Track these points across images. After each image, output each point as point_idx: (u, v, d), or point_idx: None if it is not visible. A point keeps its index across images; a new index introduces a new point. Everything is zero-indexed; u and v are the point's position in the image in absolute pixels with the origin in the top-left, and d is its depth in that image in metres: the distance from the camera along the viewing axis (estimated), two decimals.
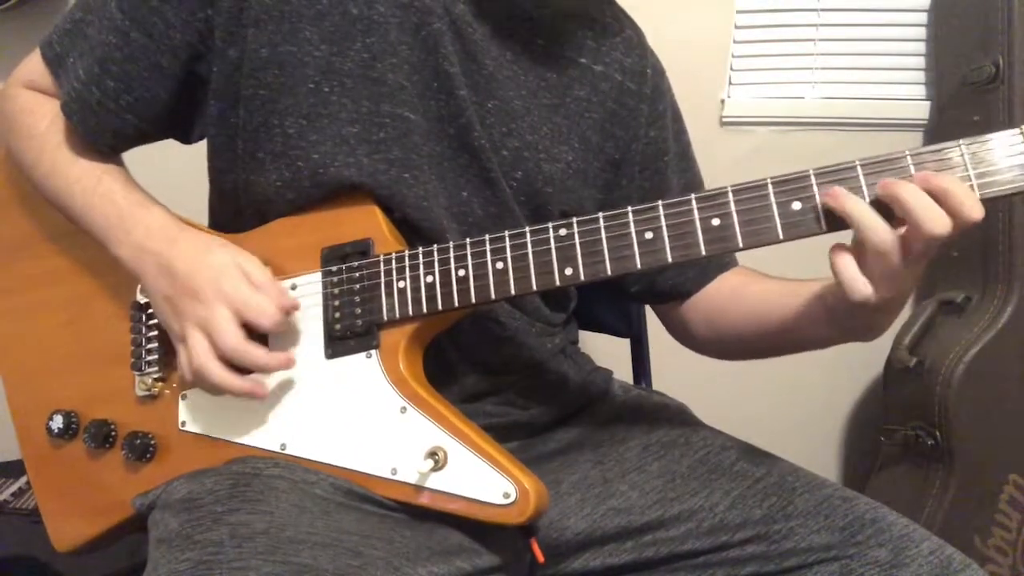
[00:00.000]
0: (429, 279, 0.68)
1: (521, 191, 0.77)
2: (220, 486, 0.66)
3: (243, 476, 0.67)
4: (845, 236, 0.60)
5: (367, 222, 0.72)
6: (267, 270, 0.71)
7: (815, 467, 0.78)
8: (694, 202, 0.62)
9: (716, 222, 0.61)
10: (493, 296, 0.67)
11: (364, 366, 0.69)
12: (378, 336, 0.69)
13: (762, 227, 0.60)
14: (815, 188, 0.59)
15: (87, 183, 0.75)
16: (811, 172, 0.59)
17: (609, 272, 0.64)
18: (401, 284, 0.69)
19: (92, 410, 0.80)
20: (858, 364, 1.67)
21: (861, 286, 0.59)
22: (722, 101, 1.60)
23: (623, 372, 1.01)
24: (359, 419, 0.68)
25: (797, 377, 1.65)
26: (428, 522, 0.68)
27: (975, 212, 0.55)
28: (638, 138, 0.84)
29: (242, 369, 0.68)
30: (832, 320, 0.69)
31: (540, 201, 0.78)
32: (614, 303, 1.14)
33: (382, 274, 0.70)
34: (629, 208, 0.63)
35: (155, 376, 0.77)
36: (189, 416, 0.75)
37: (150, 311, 0.76)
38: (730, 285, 0.84)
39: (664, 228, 0.62)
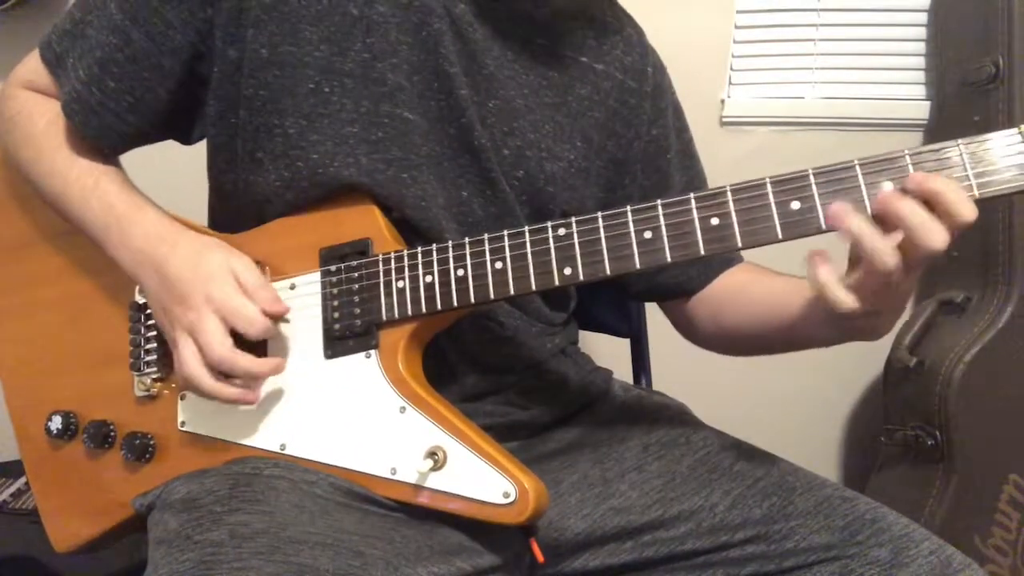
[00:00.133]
0: (428, 279, 0.68)
1: (523, 190, 0.77)
2: (220, 486, 0.66)
3: (243, 476, 0.67)
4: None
5: (366, 222, 0.72)
6: (259, 273, 0.71)
7: (815, 467, 0.78)
8: (693, 201, 0.62)
9: (715, 221, 0.61)
10: (492, 296, 0.67)
11: (363, 366, 0.69)
12: (377, 336, 0.69)
13: (761, 227, 0.60)
14: (814, 188, 0.59)
15: (84, 184, 0.75)
16: (810, 172, 0.59)
17: (608, 272, 0.63)
18: (400, 284, 0.69)
19: (91, 410, 0.80)
20: (858, 364, 1.67)
21: (843, 297, 0.59)
22: (722, 101, 1.60)
23: (623, 372, 1.01)
24: (358, 419, 0.68)
25: (797, 377, 1.65)
26: (428, 522, 0.68)
27: (969, 213, 0.55)
28: (640, 136, 0.84)
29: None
30: (831, 322, 0.69)
31: (542, 200, 0.78)
32: (614, 303, 1.14)
33: (381, 274, 0.70)
34: (628, 207, 0.63)
35: (154, 376, 0.77)
36: (188, 416, 0.75)
37: (149, 311, 0.76)
38: (735, 282, 0.84)
39: (663, 227, 0.62)
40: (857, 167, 0.59)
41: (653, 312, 1.05)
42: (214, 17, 0.72)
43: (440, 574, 0.63)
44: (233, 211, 0.79)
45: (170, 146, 0.82)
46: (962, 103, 1.46)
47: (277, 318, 0.70)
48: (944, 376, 1.36)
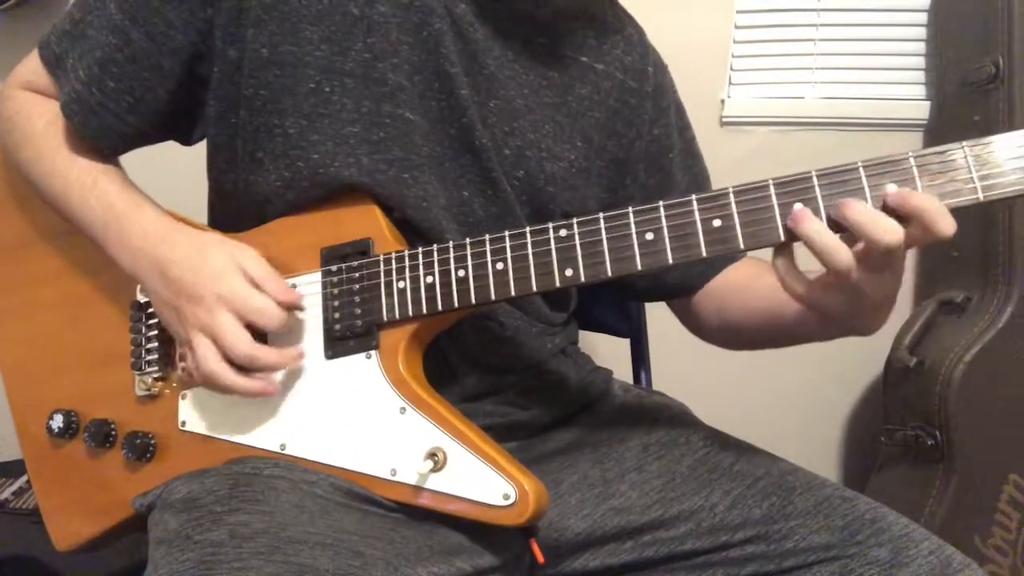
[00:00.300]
0: (429, 279, 0.68)
1: (523, 190, 0.77)
2: (220, 486, 0.66)
3: (243, 476, 0.67)
4: None
5: (367, 222, 0.72)
6: (265, 263, 0.70)
7: (815, 467, 0.78)
8: (695, 203, 0.61)
9: (717, 223, 0.61)
10: (493, 297, 0.66)
11: (364, 367, 0.69)
12: (378, 336, 0.69)
13: (763, 228, 0.60)
14: (817, 190, 0.59)
15: (84, 184, 0.75)
16: (813, 173, 0.59)
17: (610, 273, 0.63)
18: (401, 284, 0.69)
19: (92, 409, 0.80)
20: (858, 364, 1.67)
21: (797, 288, 0.62)
22: (722, 101, 1.60)
23: (623, 372, 1.01)
24: (359, 420, 0.68)
25: (797, 377, 1.65)
26: (428, 522, 0.68)
27: (947, 229, 0.56)
28: (641, 136, 0.84)
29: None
30: (825, 319, 0.69)
31: (542, 200, 0.78)
32: (614, 303, 1.14)
33: (382, 274, 0.70)
34: (630, 208, 0.63)
35: (155, 376, 0.77)
36: (189, 416, 0.75)
37: (150, 311, 0.76)
38: (738, 276, 0.84)
39: (665, 229, 0.62)
40: (860, 169, 0.59)
41: (653, 312, 1.05)
42: (214, 17, 0.72)
43: (440, 574, 0.63)
44: (233, 211, 0.79)
45: (170, 146, 0.82)
46: (962, 103, 1.46)
47: (291, 308, 0.70)
48: (944, 376, 1.36)
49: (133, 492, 0.76)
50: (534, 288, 0.65)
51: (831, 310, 0.62)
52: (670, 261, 0.62)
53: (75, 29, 0.76)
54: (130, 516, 0.77)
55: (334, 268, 0.72)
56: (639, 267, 0.63)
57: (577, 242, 0.64)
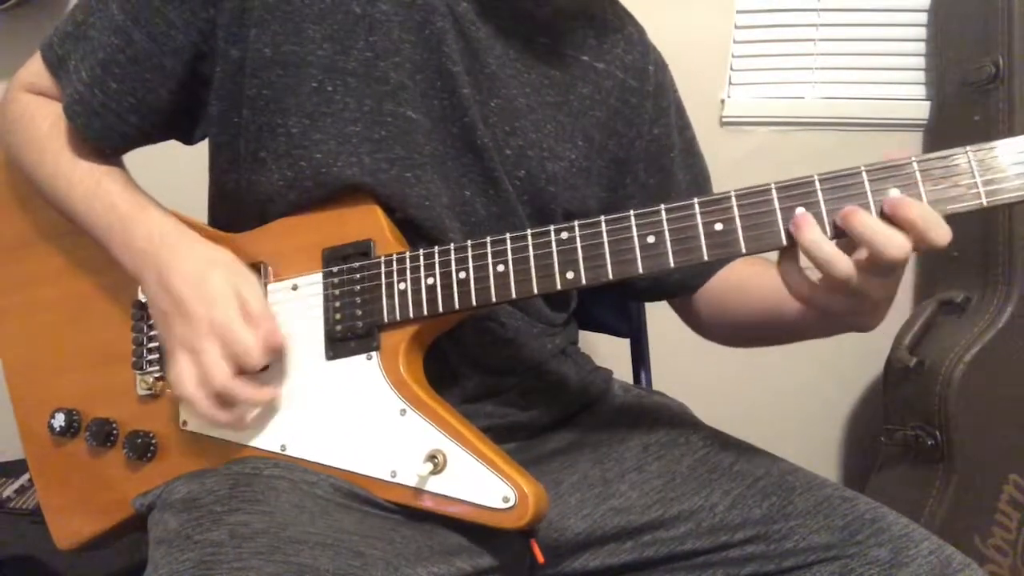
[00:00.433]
0: (430, 281, 0.68)
1: (524, 190, 0.77)
2: (220, 486, 0.66)
3: (243, 476, 0.67)
4: None
5: (368, 222, 0.72)
6: (263, 299, 0.70)
7: (815, 467, 0.78)
8: (697, 206, 0.61)
9: (719, 227, 0.61)
10: (494, 299, 0.66)
11: (364, 368, 0.69)
12: (379, 338, 0.69)
13: (765, 233, 0.60)
14: (819, 194, 0.59)
15: (87, 185, 0.75)
16: (816, 178, 0.59)
17: (611, 276, 0.63)
18: (402, 286, 0.69)
19: (94, 408, 0.80)
20: (858, 364, 1.67)
21: (800, 288, 0.62)
22: (722, 101, 1.60)
23: (623, 372, 1.01)
24: (359, 421, 0.68)
25: (797, 377, 1.65)
26: (428, 522, 0.68)
27: (942, 239, 0.56)
28: (642, 135, 0.84)
29: None
30: (825, 317, 0.69)
31: (543, 200, 0.78)
32: (614, 303, 1.14)
33: (383, 275, 0.70)
34: (631, 212, 0.63)
35: (156, 375, 0.77)
36: (190, 415, 0.75)
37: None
38: (739, 274, 0.85)
39: (666, 232, 0.62)
40: (863, 173, 0.58)
41: (653, 312, 1.05)
42: (216, 17, 0.72)
43: (440, 574, 0.64)
44: (235, 211, 0.79)
45: (171, 146, 0.82)
46: (962, 103, 1.46)
47: (272, 353, 0.69)
48: (944, 376, 1.36)
49: (134, 491, 0.76)
50: (535, 290, 0.65)
51: (832, 309, 0.62)
52: (671, 264, 0.62)
53: (77, 31, 0.76)
54: (132, 515, 0.77)
55: (335, 269, 0.72)
56: (640, 270, 0.63)
57: (578, 244, 0.64)
